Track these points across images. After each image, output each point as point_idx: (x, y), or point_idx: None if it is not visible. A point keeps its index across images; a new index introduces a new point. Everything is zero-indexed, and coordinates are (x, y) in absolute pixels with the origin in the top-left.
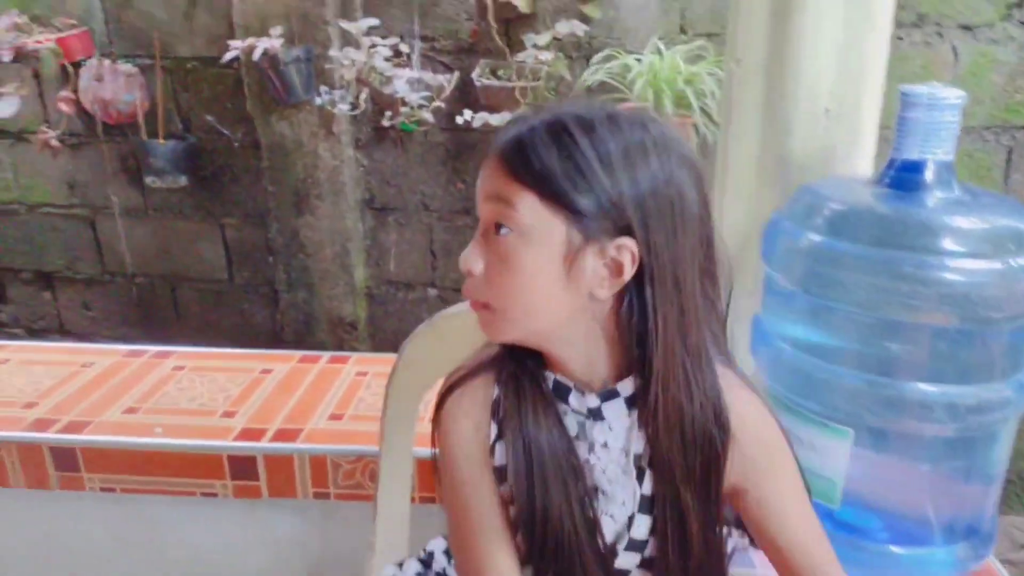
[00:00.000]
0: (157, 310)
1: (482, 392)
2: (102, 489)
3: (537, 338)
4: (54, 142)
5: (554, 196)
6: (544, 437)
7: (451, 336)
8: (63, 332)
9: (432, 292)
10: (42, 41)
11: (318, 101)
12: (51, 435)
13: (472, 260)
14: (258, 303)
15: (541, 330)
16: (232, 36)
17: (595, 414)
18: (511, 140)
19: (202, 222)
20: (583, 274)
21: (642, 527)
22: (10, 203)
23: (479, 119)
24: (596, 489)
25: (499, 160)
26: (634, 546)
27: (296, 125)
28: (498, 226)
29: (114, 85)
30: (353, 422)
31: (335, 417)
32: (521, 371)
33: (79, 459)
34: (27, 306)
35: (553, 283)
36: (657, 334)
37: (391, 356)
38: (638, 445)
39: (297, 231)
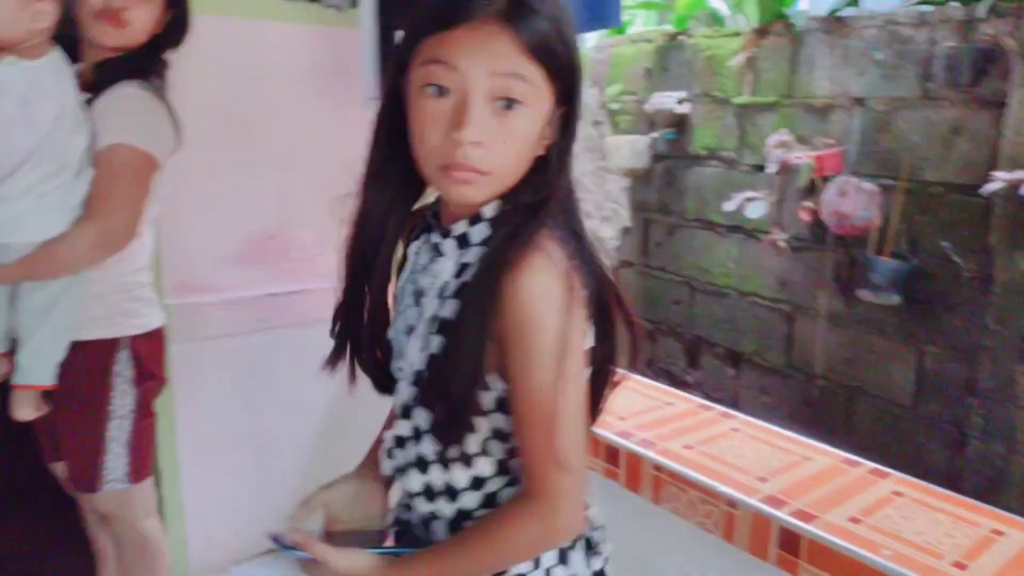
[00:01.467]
0: (829, 415)
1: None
2: None
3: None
4: (781, 243)
5: (555, 70)
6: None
7: None
8: (735, 408)
9: None
10: (802, 157)
11: None
12: (782, 515)
13: (482, 134)
14: (937, 441)
15: (507, 187)
16: (994, 166)
17: (437, 249)
18: (524, 13)
19: (901, 343)
20: (542, 136)
21: (435, 345)
22: (725, 287)
23: None
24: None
25: (511, 33)
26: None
27: None
28: (506, 100)
29: (854, 201)
30: None
31: None
32: (372, 209)
33: (802, 547)
34: (712, 376)
35: (531, 147)
36: (552, 174)
37: None
38: (450, 278)
39: (1014, 378)
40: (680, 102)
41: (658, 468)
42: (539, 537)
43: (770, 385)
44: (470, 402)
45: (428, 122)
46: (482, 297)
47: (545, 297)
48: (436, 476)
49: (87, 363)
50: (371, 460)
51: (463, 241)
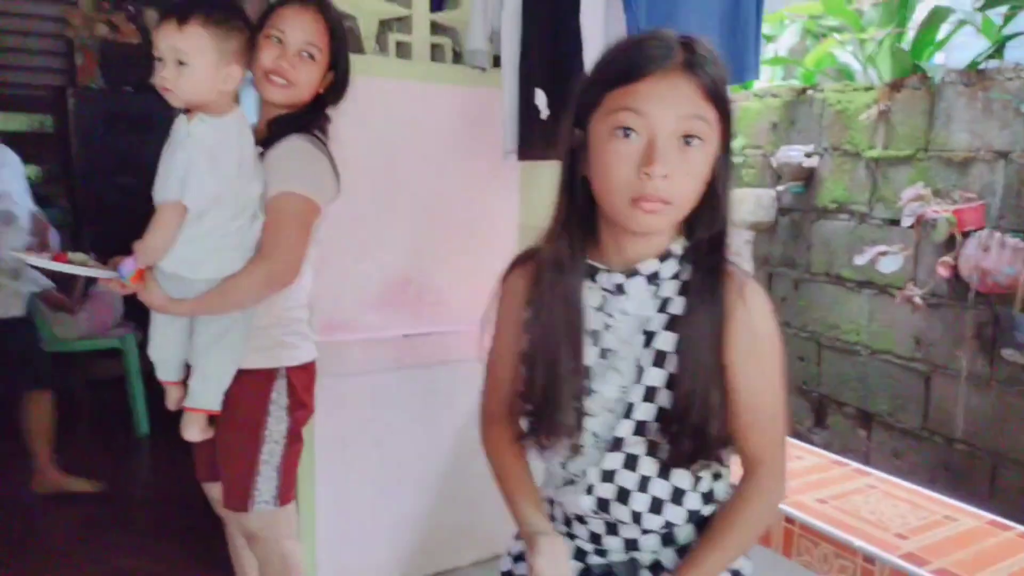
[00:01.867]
0: (970, 480)
1: (530, 266)
2: None
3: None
4: (917, 299)
5: (724, 112)
6: (559, 299)
7: None
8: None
9: None
10: (940, 211)
11: None
12: (925, 572)
13: (669, 168)
14: None
15: (681, 218)
16: None
17: (619, 289)
18: (702, 63)
19: None
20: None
21: (655, 378)
22: (855, 344)
23: None
24: (606, 351)
25: (693, 80)
26: (647, 396)
27: None
28: (688, 137)
29: (997, 256)
30: None
31: None
32: (562, 255)
33: None
34: (840, 437)
35: (704, 181)
36: (722, 208)
37: None
38: (653, 312)
39: None
40: (808, 155)
41: (790, 520)
42: (775, 503)
43: (904, 447)
44: (715, 425)
45: (619, 160)
46: (712, 325)
47: (770, 315)
48: (660, 490)
49: (248, 390)
50: (548, 516)
51: (652, 278)
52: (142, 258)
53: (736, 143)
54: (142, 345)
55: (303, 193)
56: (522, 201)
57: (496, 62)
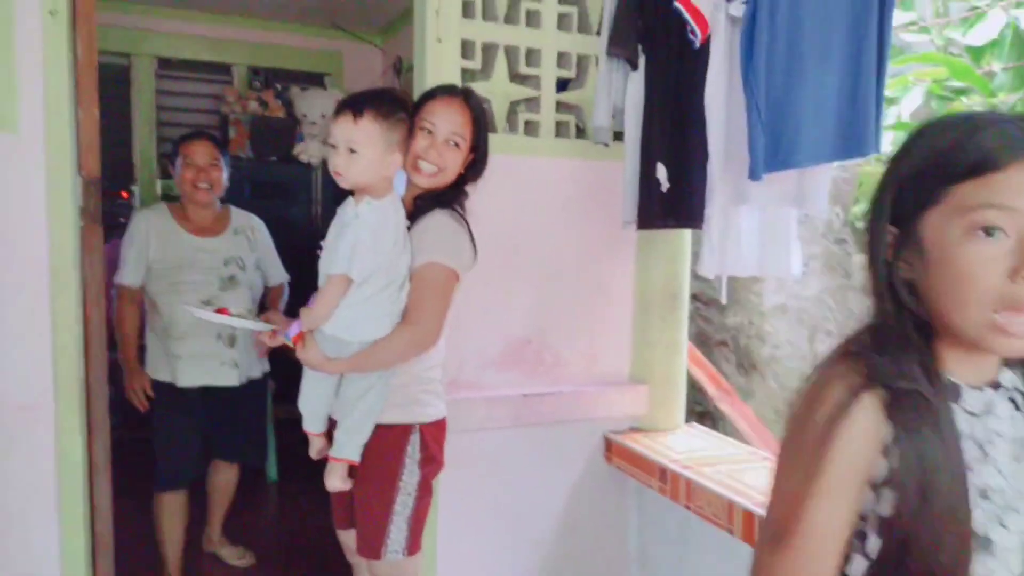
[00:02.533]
0: None
1: (880, 396)
2: None
3: None
4: None
5: None
6: (940, 447)
7: None
8: None
9: None
10: None
11: None
12: None
13: None
14: None
15: None
16: None
17: (989, 408)
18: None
19: None
20: None
21: None
22: None
23: None
24: (987, 490)
25: None
26: None
27: None
28: None
29: None
30: None
31: None
32: (916, 374)
33: None
34: None
35: None
36: None
37: None
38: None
39: None
40: None
41: None
42: None
43: None
44: None
45: (982, 266)
46: None
47: None
48: None
49: (385, 443)
50: None
51: (1009, 389)
52: (308, 322)
53: (856, 209)
54: (275, 396)
55: (446, 263)
56: (638, 268)
57: (617, 137)
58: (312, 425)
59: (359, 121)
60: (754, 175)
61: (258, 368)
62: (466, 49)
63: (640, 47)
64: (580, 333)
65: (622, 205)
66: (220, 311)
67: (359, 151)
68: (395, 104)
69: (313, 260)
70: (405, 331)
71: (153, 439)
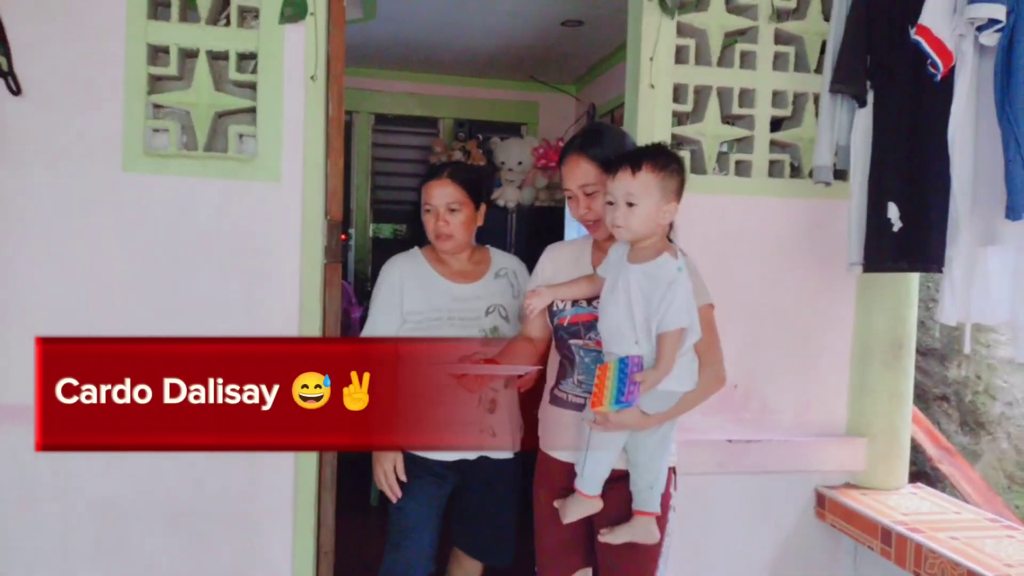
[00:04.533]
0: None
1: None
2: None
3: None
4: None
5: None
6: None
7: None
8: None
9: None
10: None
11: None
12: None
13: None
14: None
15: None
16: None
17: None
18: None
19: None
20: None
21: None
22: None
23: None
24: None
25: None
26: None
27: None
28: None
29: None
30: None
31: None
32: None
33: None
34: None
35: None
36: None
37: None
38: None
39: None
40: None
41: None
42: None
43: None
44: None
45: None
46: None
47: None
48: None
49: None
50: None
51: None
52: (655, 381)
53: None
54: None
55: (711, 301)
56: (858, 312)
57: (838, 175)
58: (594, 487)
59: (637, 175)
60: (1014, 214)
61: (511, 440)
62: (678, 93)
63: (868, 82)
64: (791, 379)
65: (847, 246)
66: (488, 361)
67: (638, 203)
68: (669, 156)
69: None
70: (711, 374)
71: (389, 524)
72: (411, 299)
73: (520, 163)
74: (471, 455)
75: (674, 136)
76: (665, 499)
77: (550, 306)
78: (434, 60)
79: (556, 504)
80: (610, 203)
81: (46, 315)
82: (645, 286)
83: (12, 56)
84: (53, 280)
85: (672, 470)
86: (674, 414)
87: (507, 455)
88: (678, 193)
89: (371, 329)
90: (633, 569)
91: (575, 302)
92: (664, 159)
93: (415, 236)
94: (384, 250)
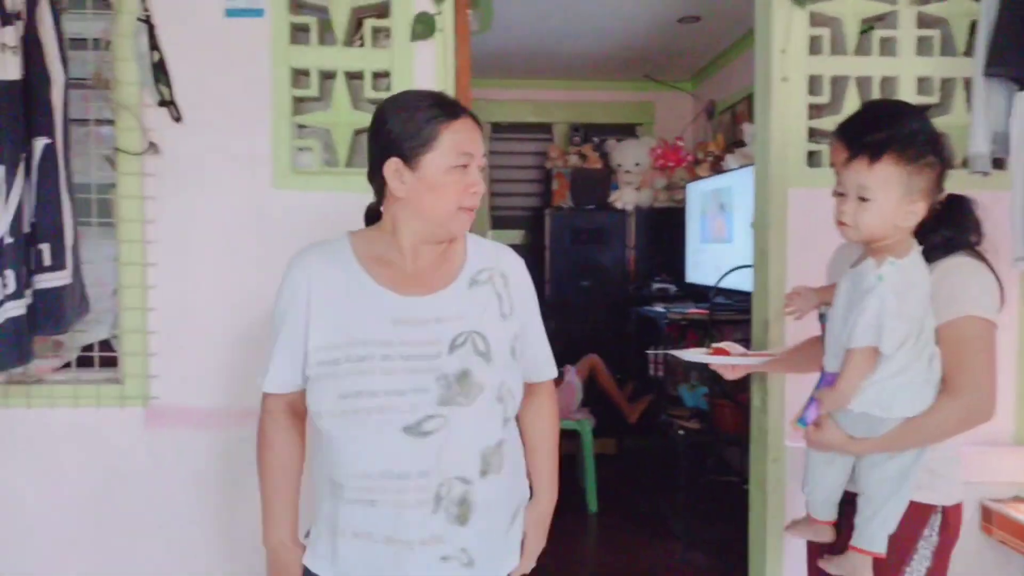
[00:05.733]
0: None
1: None
2: None
3: None
4: None
5: None
6: None
7: None
8: None
9: None
10: None
11: None
12: None
13: None
14: None
15: None
16: None
17: None
18: None
19: None
20: None
21: None
22: None
23: None
24: None
25: None
26: None
27: None
28: None
29: None
30: None
31: None
32: None
33: None
34: None
35: None
36: None
37: None
38: None
39: None
40: None
41: None
42: None
43: None
44: None
45: None
46: None
47: None
48: None
49: (901, 524)
50: None
51: None
52: (832, 403)
53: None
54: (595, 431)
55: (981, 315)
56: (1022, 313)
57: (996, 164)
58: (824, 512)
59: (875, 165)
60: None
61: (507, 563)
62: (813, 85)
63: None
64: None
65: (1010, 240)
66: (718, 351)
67: (871, 198)
68: (925, 146)
69: (624, 304)
70: (954, 401)
71: None
72: (320, 325)
73: (637, 164)
74: None
75: (812, 130)
76: (910, 537)
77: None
78: (547, 66)
79: (791, 521)
80: (840, 194)
81: (210, 324)
82: (851, 294)
83: (173, 87)
84: (214, 291)
85: (930, 509)
86: (898, 442)
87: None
88: (931, 191)
89: (268, 379)
90: None
91: None
92: (918, 149)
93: (535, 242)
94: None
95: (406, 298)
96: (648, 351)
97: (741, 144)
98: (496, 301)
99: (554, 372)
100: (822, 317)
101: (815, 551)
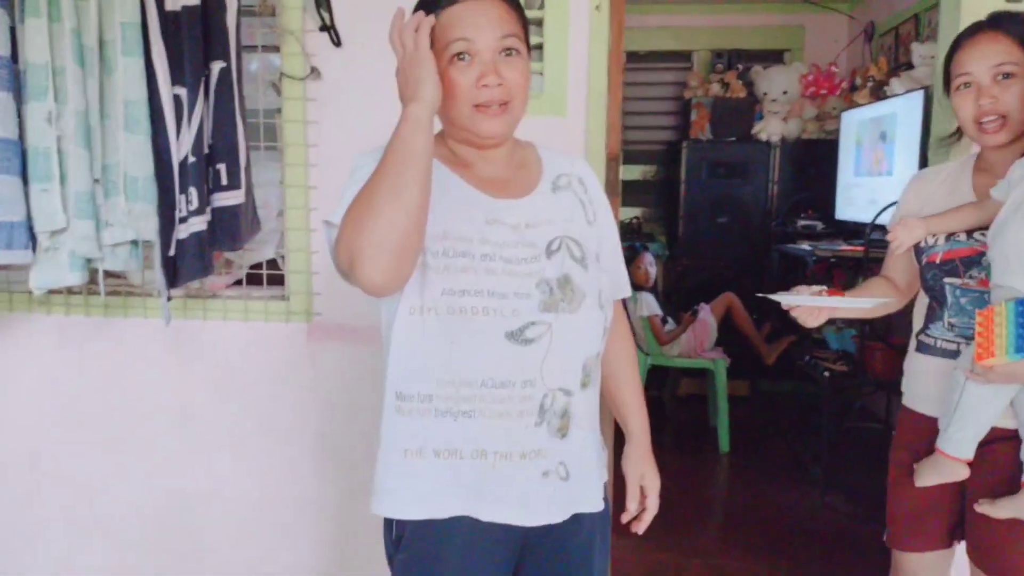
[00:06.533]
0: None
1: None
2: None
3: None
4: None
5: None
6: None
7: None
8: None
9: None
10: None
11: None
12: None
13: None
14: None
15: None
16: None
17: None
18: None
19: None
20: None
21: None
22: None
23: None
24: None
25: None
26: None
27: None
28: None
29: None
30: None
31: None
32: None
33: None
34: None
35: None
36: None
37: None
38: None
39: None
40: None
41: None
42: None
43: None
44: None
45: None
46: None
47: None
48: None
49: None
50: None
51: None
52: None
53: None
54: (729, 370)
55: None
56: None
57: None
58: (969, 450)
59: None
60: None
61: (598, 490)
62: None
63: None
64: None
65: None
66: (832, 293)
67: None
68: None
69: (766, 242)
70: None
71: None
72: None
73: (785, 92)
74: (536, 519)
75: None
76: None
77: (917, 243)
78: None
79: (916, 466)
80: (958, 88)
81: None
82: (995, 224)
83: (334, 13)
84: None
85: None
86: None
87: (592, 507)
88: None
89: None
90: (1018, 556)
91: (950, 236)
92: None
93: (668, 176)
94: (633, 193)
95: (499, 200)
96: (759, 295)
97: (908, 66)
98: (580, 207)
99: (628, 291)
100: (918, 253)
101: (915, 503)
